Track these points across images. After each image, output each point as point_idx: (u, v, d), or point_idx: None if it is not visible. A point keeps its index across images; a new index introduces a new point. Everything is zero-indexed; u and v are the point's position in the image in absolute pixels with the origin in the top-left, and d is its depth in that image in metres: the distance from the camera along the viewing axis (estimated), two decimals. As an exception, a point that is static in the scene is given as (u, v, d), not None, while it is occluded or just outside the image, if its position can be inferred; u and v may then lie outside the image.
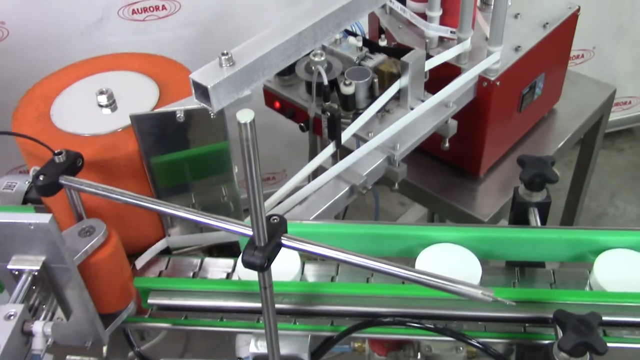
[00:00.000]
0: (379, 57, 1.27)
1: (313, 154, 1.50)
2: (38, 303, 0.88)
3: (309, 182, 1.15)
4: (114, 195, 0.89)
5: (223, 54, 0.84)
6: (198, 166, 1.04)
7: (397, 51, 1.27)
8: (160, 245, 1.10)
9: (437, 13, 1.38)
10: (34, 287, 0.86)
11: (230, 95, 0.84)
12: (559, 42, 1.51)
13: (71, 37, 1.85)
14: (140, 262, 1.07)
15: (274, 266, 0.74)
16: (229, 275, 1.06)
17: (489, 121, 1.41)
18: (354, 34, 1.33)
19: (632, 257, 0.96)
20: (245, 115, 0.63)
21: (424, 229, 1.01)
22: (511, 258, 1.03)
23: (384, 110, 1.24)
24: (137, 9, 1.89)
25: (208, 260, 1.09)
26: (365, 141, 1.19)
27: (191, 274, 1.07)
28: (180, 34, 1.95)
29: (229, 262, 1.07)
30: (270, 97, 1.34)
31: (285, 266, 1.01)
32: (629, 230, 0.98)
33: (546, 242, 0.99)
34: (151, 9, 1.91)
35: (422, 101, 1.25)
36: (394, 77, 1.23)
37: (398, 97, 1.25)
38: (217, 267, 1.08)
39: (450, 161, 1.55)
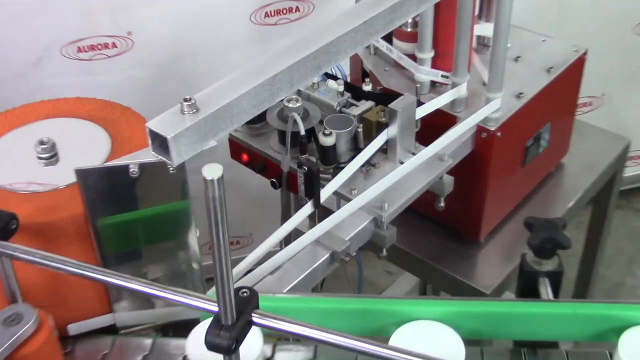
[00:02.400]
0: (365, 105, 1.30)
1: (286, 214, 1.50)
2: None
3: (281, 248, 1.15)
4: (53, 264, 0.87)
5: (185, 100, 0.84)
6: (153, 229, 1.04)
7: (384, 97, 1.29)
8: (103, 321, 1.07)
9: (428, 54, 1.41)
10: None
11: (193, 146, 0.84)
12: (565, 88, 1.55)
13: (3, 79, 1.85)
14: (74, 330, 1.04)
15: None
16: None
17: (489, 177, 1.43)
18: (334, 77, 1.36)
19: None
20: (212, 171, 0.64)
21: (416, 302, 1.00)
22: (519, 337, 1.02)
23: (369, 164, 1.25)
24: (83, 47, 1.91)
25: (162, 341, 1.07)
26: (348, 200, 1.19)
27: (140, 357, 1.05)
28: (133, 75, 1.97)
29: (188, 343, 1.05)
30: (236, 148, 1.35)
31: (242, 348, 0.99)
32: (654, 304, 0.98)
33: (559, 318, 0.99)
34: (99, 46, 1.92)
35: (413, 154, 1.27)
36: (381, 127, 1.26)
37: (386, 149, 1.26)
38: (173, 350, 1.05)
39: (446, 223, 1.56)
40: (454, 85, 1.38)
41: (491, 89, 1.35)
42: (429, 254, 1.53)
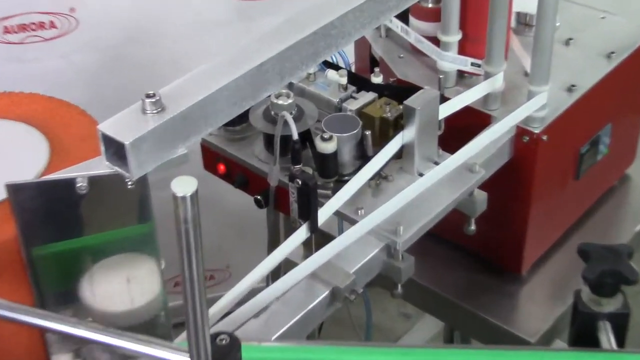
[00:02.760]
0: (365, 97, 1.32)
1: (274, 241, 1.51)
2: None
3: (268, 284, 1.16)
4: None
5: (148, 96, 0.85)
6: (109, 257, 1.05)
7: (398, 91, 1.31)
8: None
9: (454, 37, 1.43)
10: None
11: (157, 155, 0.86)
12: (630, 79, 1.57)
13: None
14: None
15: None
16: None
17: (533, 192, 1.45)
18: (336, 67, 1.37)
19: None
20: (183, 185, 0.66)
21: (441, 353, 1.02)
22: (572, 397, 1.03)
23: (380, 176, 1.26)
24: (12, 27, 1.90)
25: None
26: (353, 222, 1.20)
27: None
28: (77, 63, 1.97)
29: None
30: (211, 157, 1.36)
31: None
32: None
33: (623, 373, 1.00)
34: (33, 26, 1.92)
35: (436, 163, 1.28)
36: (386, 125, 1.28)
37: (401, 156, 1.28)
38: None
39: (478, 252, 1.58)
40: (488, 75, 1.40)
41: (535, 81, 1.37)
42: (456, 291, 1.54)
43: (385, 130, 1.28)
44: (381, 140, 1.27)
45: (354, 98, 1.33)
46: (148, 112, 0.85)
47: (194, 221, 0.66)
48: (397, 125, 1.28)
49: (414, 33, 1.48)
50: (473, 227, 1.35)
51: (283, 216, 1.52)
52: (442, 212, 1.27)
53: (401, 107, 1.27)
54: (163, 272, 1.08)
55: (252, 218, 1.68)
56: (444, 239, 1.55)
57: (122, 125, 0.85)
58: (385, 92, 1.33)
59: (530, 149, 1.40)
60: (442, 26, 1.42)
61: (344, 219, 1.24)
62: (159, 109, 0.86)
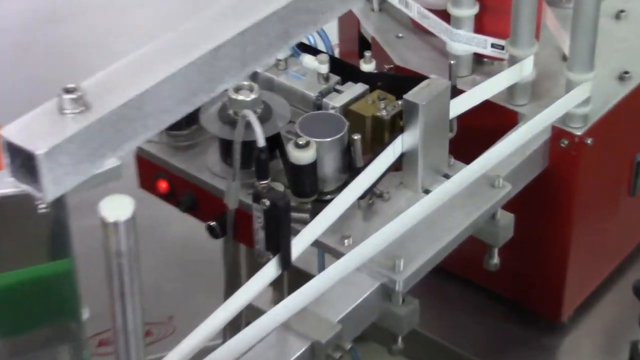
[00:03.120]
0: (353, 89, 1.33)
1: (233, 282, 1.51)
2: None
3: (225, 339, 1.15)
4: None
5: (67, 90, 0.85)
6: (11, 309, 1.04)
7: (396, 81, 1.32)
8: None
9: (470, 10, 1.44)
10: None
11: (79, 169, 0.85)
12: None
13: None
14: None
15: None
16: None
17: (574, 214, 1.45)
18: (313, 50, 1.38)
19: None
20: (116, 208, 0.67)
21: None
22: None
23: (373, 194, 1.27)
24: None
25: None
26: (338, 256, 1.21)
27: None
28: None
29: None
30: (149, 171, 1.37)
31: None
32: None
33: None
34: None
35: (446, 177, 1.29)
36: (382, 126, 1.28)
37: (400, 167, 1.29)
38: None
39: (504, 294, 1.58)
40: (513, 60, 1.41)
41: (575, 67, 1.38)
42: (475, 346, 1.55)
43: (380, 134, 1.29)
44: (374, 147, 1.28)
45: (338, 92, 1.34)
46: (67, 111, 0.85)
47: (129, 254, 0.66)
48: (395, 126, 1.29)
49: (417, 5, 1.48)
50: (496, 260, 1.35)
51: (245, 249, 1.51)
52: (455, 241, 1.27)
53: (400, 102, 1.27)
54: (85, 326, 1.07)
55: (204, 252, 1.67)
56: (458, 275, 1.56)
57: (32, 130, 0.84)
58: (378, 84, 1.34)
59: (571, 155, 1.40)
60: (454, -4, 1.43)
61: (325, 251, 1.25)
62: (82, 108, 0.85)
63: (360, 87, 1.34)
